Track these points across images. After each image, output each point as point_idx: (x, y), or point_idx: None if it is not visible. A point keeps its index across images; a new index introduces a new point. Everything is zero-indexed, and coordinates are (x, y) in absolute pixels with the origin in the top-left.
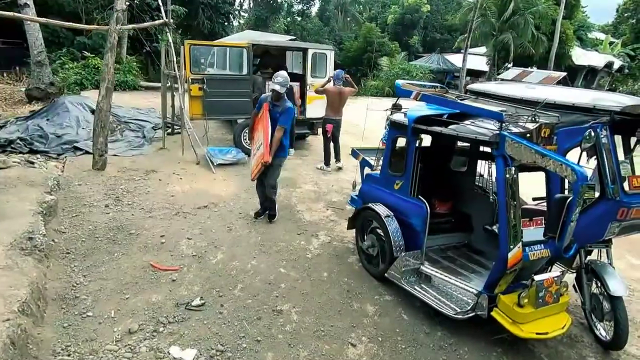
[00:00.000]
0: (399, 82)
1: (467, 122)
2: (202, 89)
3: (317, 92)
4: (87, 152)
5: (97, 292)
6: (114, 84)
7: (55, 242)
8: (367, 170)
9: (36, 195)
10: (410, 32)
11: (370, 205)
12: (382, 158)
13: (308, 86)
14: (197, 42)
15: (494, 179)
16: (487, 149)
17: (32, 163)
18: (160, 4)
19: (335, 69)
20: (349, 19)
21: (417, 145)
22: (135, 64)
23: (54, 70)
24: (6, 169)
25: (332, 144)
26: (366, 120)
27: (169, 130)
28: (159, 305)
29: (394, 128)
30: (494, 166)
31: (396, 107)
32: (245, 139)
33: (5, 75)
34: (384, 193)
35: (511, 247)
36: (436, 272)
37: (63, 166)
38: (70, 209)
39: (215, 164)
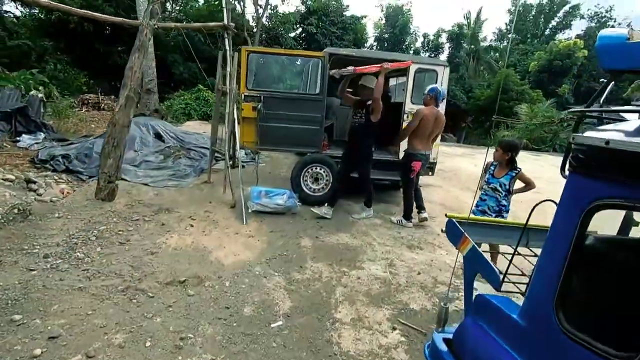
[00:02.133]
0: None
1: None
2: (257, 109)
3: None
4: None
5: None
6: (138, 94)
7: None
8: (479, 285)
9: None
10: (559, 80)
11: None
12: (537, 270)
13: (406, 115)
14: (258, 48)
15: None
16: None
17: (34, 183)
18: (224, 4)
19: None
20: (482, 67)
21: None
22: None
23: (162, 99)
24: None
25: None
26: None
27: (231, 162)
28: None
29: (600, 172)
30: None
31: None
32: (306, 181)
33: (114, 100)
34: None
35: None
36: None
37: (73, 190)
38: None
39: (250, 209)
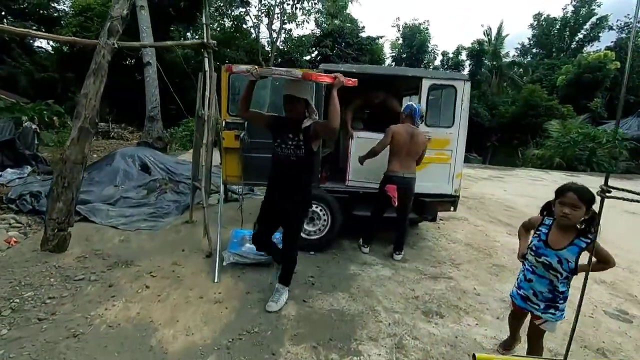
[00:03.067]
0: None
1: None
2: (241, 139)
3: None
4: (85, 219)
5: None
6: (95, 125)
7: None
8: None
9: None
10: (590, 93)
11: None
12: None
13: None
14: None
15: None
16: None
17: None
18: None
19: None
20: (505, 83)
21: None
22: None
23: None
24: None
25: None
26: None
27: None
28: None
29: None
30: None
31: None
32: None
33: (124, 128)
34: None
35: None
36: None
37: (25, 237)
38: None
39: (225, 262)
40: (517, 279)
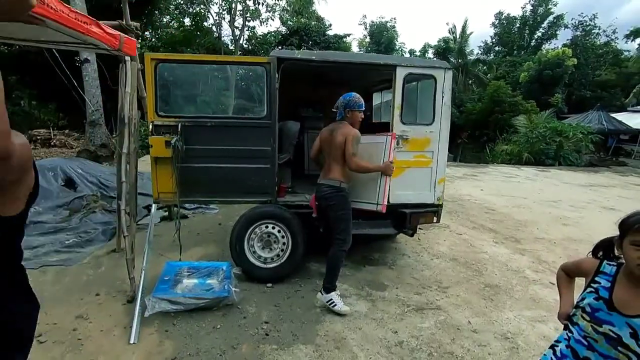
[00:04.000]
0: None
1: None
2: (172, 146)
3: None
4: None
5: None
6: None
7: None
8: None
9: None
10: (551, 89)
11: None
12: None
13: (397, 141)
14: (171, 56)
15: None
16: None
17: None
18: None
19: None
20: (470, 81)
21: None
22: None
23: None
24: None
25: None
26: None
27: (165, 214)
28: None
29: None
30: None
31: None
32: (252, 247)
33: (68, 134)
34: None
35: None
36: None
37: None
38: None
39: (149, 311)
40: (556, 351)
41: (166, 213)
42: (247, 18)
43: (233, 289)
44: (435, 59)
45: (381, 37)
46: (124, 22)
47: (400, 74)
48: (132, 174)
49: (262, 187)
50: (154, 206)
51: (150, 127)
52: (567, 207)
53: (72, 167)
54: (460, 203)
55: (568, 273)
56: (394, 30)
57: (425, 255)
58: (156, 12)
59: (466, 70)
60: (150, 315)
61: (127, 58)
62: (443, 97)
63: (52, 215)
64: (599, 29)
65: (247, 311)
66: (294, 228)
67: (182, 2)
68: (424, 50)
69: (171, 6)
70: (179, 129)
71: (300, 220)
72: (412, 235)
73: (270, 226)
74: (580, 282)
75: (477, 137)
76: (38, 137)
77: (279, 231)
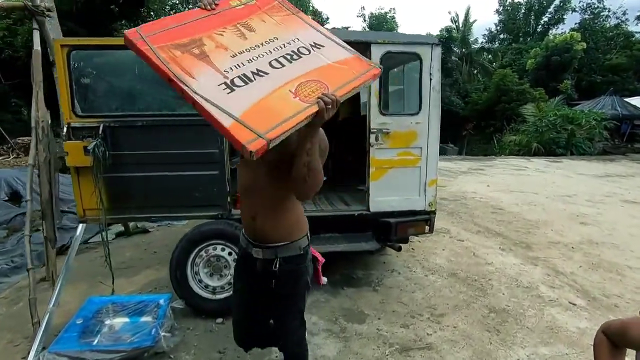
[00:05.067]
0: None
1: None
2: (91, 152)
3: None
4: None
5: None
6: None
7: None
8: None
9: None
10: (559, 76)
11: None
12: None
13: (374, 135)
14: (85, 41)
15: None
16: None
17: None
18: None
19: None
20: (475, 70)
21: None
22: None
23: None
24: None
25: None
26: None
27: (122, 229)
28: None
29: None
30: None
31: None
32: (197, 274)
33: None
34: None
35: None
36: None
37: None
38: None
39: None
40: None
41: (122, 228)
42: None
43: (162, 333)
44: None
45: (381, 28)
46: (28, 3)
47: (377, 53)
48: (46, 189)
49: (209, 199)
50: (80, 226)
51: (65, 130)
52: (584, 202)
53: (18, 178)
54: (464, 202)
55: (612, 340)
56: (393, 21)
57: (418, 270)
58: (152, 13)
59: (470, 59)
60: None
61: (37, 47)
62: (431, 79)
63: None
64: (609, 11)
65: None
66: None
67: (177, 2)
68: None
69: (166, 7)
70: (101, 131)
71: None
72: (399, 250)
73: (219, 247)
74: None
75: (484, 128)
76: (22, 145)
77: (229, 253)
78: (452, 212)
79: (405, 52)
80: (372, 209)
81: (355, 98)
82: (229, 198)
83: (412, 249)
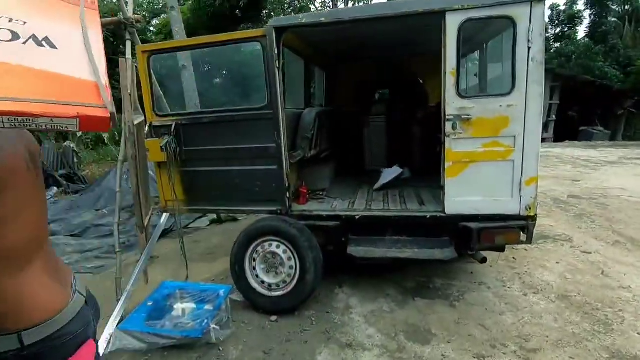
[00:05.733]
0: None
1: None
2: (164, 148)
3: None
4: None
5: None
6: None
7: None
8: None
9: None
10: None
11: None
12: None
13: (453, 124)
14: (162, 45)
15: None
16: None
17: None
18: None
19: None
20: None
21: None
22: None
23: None
24: None
25: None
26: None
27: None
28: None
29: None
30: None
31: None
32: (254, 269)
33: None
34: None
35: None
36: None
37: None
38: None
39: (105, 349)
40: None
41: (215, 216)
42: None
43: (213, 326)
44: (587, 10)
45: None
46: (122, 17)
47: (453, 22)
48: (134, 182)
49: (268, 194)
50: (163, 216)
51: (147, 129)
52: None
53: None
54: (602, 201)
55: None
56: None
57: (516, 286)
58: (272, 14)
59: (636, 18)
60: (112, 351)
61: (128, 56)
62: (530, 48)
63: (112, 219)
64: None
65: (226, 357)
66: (302, 247)
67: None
68: (571, 1)
69: (285, 5)
70: (172, 129)
71: (317, 236)
72: (483, 261)
73: (275, 244)
74: None
75: None
76: None
77: (284, 251)
78: (580, 214)
79: (493, 16)
80: (448, 211)
81: None
82: (287, 193)
83: (514, 258)
